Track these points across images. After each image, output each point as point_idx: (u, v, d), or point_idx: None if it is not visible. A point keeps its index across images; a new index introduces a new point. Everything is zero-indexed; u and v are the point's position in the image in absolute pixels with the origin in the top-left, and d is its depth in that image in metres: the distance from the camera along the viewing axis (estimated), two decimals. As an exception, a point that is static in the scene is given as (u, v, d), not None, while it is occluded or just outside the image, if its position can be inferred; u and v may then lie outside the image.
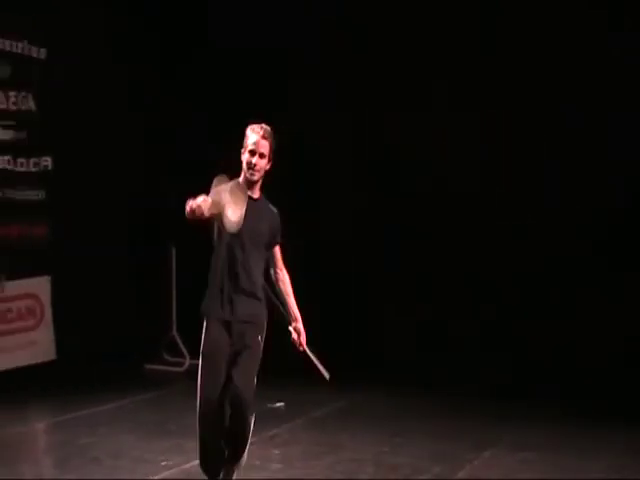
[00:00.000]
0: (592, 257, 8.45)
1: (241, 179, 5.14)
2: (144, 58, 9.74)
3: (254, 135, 5.13)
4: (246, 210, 4.90)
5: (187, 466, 6.04)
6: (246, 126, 5.19)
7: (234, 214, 4.84)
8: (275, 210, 5.30)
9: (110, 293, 9.34)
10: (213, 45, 9.65)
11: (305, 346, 5.31)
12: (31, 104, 8.77)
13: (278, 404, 7.80)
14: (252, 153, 5.10)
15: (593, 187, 8.47)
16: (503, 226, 8.75)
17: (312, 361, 5.33)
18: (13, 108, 8.62)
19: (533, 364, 8.45)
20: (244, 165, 5.13)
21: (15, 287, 8.65)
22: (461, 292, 8.87)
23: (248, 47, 9.46)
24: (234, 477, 5.27)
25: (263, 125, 5.17)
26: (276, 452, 6.54)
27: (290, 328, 5.30)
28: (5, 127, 8.55)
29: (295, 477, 6.04)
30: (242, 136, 5.19)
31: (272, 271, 5.31)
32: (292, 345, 5.31)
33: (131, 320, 9.36)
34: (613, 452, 6.60)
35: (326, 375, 5.36)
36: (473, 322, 8.72)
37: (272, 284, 5.31)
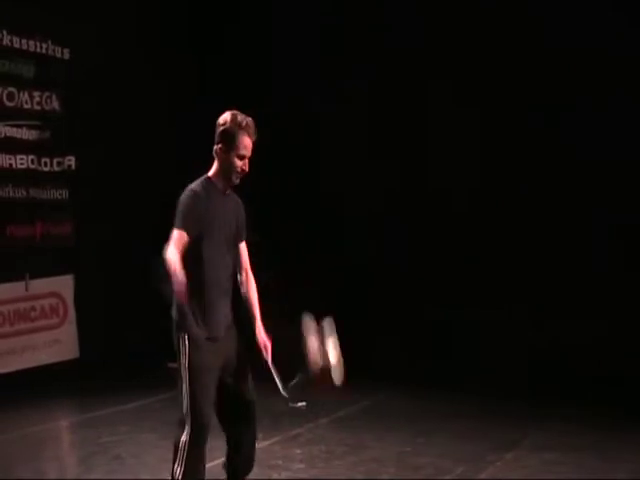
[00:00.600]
0: (609, 255, 8.38)
1: (214, 175, 4.65)
2: (169, 57, 9.77)
3: (247, 138, 4.59)
4: (219, 207, 4.57)
5: (209, 465, 6.04)
6: (216, 114, 4.66)
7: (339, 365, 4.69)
8: (239, 201, 4.79)
9: (132, 292, 9.37)
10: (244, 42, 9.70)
11: (270, 361, 4.77)
12: (55, 104, 8.82)
13: (300, 404, 7.78)
14: (242, 157, 4.60)
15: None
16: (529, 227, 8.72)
17: (273, 378, 4.81)
18: (37, 108, 8.67)
19: (556, 364, 8.39)
20: (231, 168, 4.59)
21: (39, 286, 8.71)
22: (482, 291, 8.82)
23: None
24: None
25: (252, 122, 4.63)
26: (298, 452, 6.54)
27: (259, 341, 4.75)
28: (29, 127, 8.60)
29: (317, 477, 6.03)
30: (215, 126, 4.64)
31: (239, 271, 4.78)
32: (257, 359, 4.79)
33: (154, 318, 9.37)
34: (639, 454, 6.53)
35: (291, 399, 4.98)
36: (495, 322, 8.67)
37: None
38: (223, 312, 4.66)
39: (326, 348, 4.70)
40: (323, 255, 9.06)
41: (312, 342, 4.68)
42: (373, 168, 9.38)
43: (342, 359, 4.72)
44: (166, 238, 4.54)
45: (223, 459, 5.04)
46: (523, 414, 7.62)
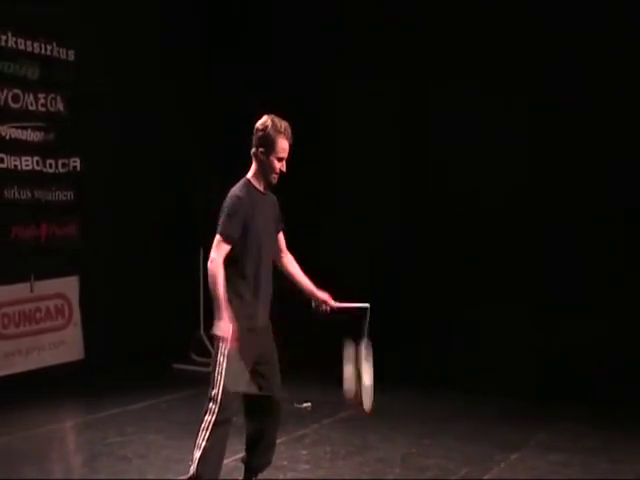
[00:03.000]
0: (608, 255, 8.35)
1: (253, 176, 5.04)
2: (175, 58, 9.78)
3: (285, 142, 4.99)
4: (260, 206, 4.96)
5: (226, 461, 6.05)
6: (257, 117, 5.00)
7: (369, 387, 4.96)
8: (275, 198, 5.22)
9: (138, 293, 9.38)
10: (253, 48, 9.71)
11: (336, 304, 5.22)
12: (60, 106, 8.82)
13: (305, 404, 7.81)
14: (281, 160, 5.00)
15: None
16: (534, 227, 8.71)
17: (347, 308, 5.20)
18: (42, 110, 8.67)
19: (561, 364, 8.37)
20: (269, 169, 4.99)
21: (44, 287, 8.71)
22: (490, 293, 8.81)
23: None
24: None
25: (288, 127, 5.03)
26: (304, 452, 6.55)
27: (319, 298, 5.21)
28: (34, 129, 8.61)
29: (322, 477, 6.04)
30: (258, 131, 4.99)
31: (279, 256, 5.24)
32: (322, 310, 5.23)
33: (159, 320, 9.40)
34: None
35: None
36: (501, 323, 8.66)
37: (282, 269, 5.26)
38: (263, 304, 5.00)
39: (361, 373, 4.98)
40: (323, 257, 9.05)
41: (348, 369, 4.99)
42: (372, 168, 9.37)
43: (373, 386, 4.97)
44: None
45: (242, 454, 5.27)
46: (528, 415, 7.62)
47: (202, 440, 4.83)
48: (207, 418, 4.85)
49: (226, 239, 4.85)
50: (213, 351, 4.91)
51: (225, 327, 4.75)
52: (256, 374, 4.98)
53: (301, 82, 9.53)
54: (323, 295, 5.21)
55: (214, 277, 4.78)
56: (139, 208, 9.44)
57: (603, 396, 7.89)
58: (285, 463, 6.22)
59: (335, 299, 5.32)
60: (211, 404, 4.84)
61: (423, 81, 9.07)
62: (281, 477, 5.96)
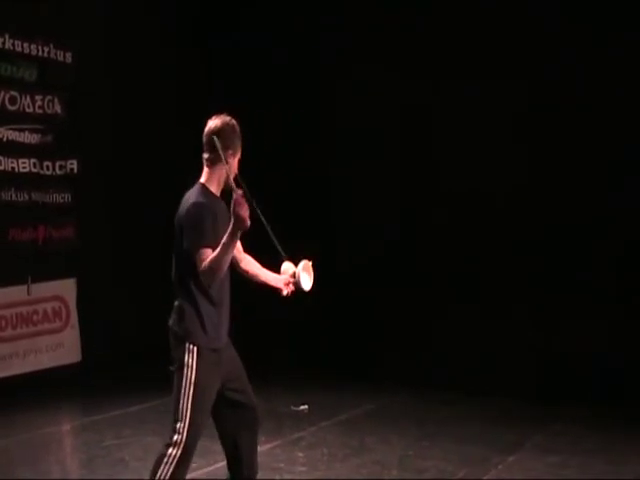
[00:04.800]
0: (608, 255, 8.36)
1: (208, 181, 4.57)
2: (173, 59, 9.78)
3: (239, 141, 4.63)
4: (220, 213, 4.48)
5: (211, 468, 6.05)
6: (207, 116, 4.64)
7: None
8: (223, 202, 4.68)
9: (135, 295, 9.37)
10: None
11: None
12: (57, 108, 8.82)
13: (302, 407, 7.80)
14: (239, 161, 4.63)
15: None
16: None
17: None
18: (39, 112, 8.67)
19: (559, 366, 8.37)
20: (231, 173, 4.50)
21: (41, 289, 8.71)
22: (488, 295, 8.81)
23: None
24: None
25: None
26: (300, 455, 6.53)
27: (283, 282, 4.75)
28: (31, 131, 8.61)
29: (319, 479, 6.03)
30: (233, 133, 4.60)
31: (237, 262, 4.74)
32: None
33: (156, 322, 9.36)
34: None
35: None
36: (497, 326, 8.65)
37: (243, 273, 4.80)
38: (226, 322, 4.63)
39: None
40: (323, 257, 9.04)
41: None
42: (373, 170, 9.37)
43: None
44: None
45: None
46: (526, 416, 7.61)
47: (165, 475, 4.42)
48: (172, 452, 4.43)
49: (208, 251, 4.35)
50: (176, 377, 4.52)
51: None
52: (230, 392, 4.62)
53: (299, 82, 9.55)
54: (283, 278, 4.74)
55: (215, 268, 4.30)
56: (136, 210, 9.43)
57: (603, 397, 7.88)
58: (282, 465, 6.21)
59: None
60: (177, 436, 4.43)
61: (424, 81, 9.06)
62: (278, 479, 5.95)
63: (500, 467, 6.28)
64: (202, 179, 4.61)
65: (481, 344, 8.66)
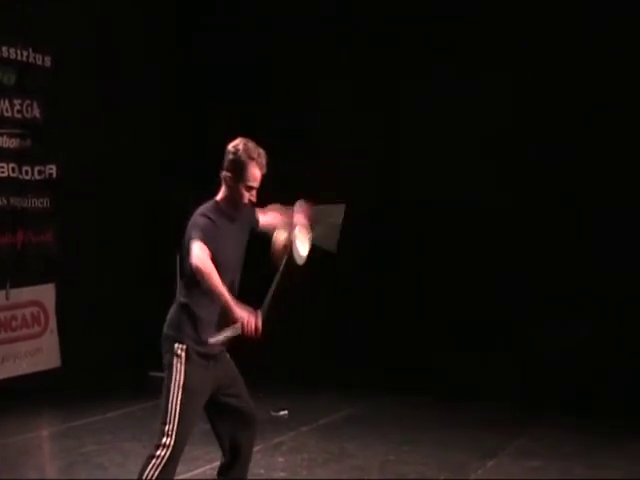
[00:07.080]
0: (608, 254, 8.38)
1: (222, 200, 4.56)
2: (153, 65, 9.75)
3: (257, 170, 4.49)
4: (227, 234, 4.49)
5: (188, 475, 6.03)
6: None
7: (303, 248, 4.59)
8: (250, 210, 4.71)
9: (114, 300, 9.33)
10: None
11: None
12: (36, 112, 8.77)
13: (282, 412, 7.78)
14: (250, 189, 4.52)
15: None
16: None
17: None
18: (18, 116, 8.62)
19: (541, 371, 8.37)
20: (238, 198, 4.52)
21: (20, 294, 8.65)
22: (474, 298, 8.80)
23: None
24: None
25: (264, 154, 4.53)
26: (280, 460, 6.53)
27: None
28: (10, 135, 8.55)
29: (300, 485, 6.03)
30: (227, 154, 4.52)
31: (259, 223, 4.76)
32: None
33: (135, 327, 9.35)
34: (629, 460, 6.51)
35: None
36: (482, 330, 8.65)
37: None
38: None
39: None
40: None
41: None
42: (373, 169, 9.34)
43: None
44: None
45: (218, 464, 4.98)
46: (507, 421, 7.63)
47: (152, 476, 4.46)
48: (160, 453, 4.46)
49: (204, 245, 4.35)
50: (166, 380, 4.49)
51: (245, 313, 4.30)
52: (226, 397, 4.66)
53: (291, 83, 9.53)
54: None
55: (208, 274, 4.28)
56: (116, 214, 9.38)
57: (582, 402, 7.89)
58: (262, 471, 6.20)
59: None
60: (165, 439, 4.46)
61: (415, 80, 9.03)
62: (258, 485, 5.94)
63: (480, 472, 6.30)
64: (218, 196, 4.60)
65: (462, 348, 8.66)
